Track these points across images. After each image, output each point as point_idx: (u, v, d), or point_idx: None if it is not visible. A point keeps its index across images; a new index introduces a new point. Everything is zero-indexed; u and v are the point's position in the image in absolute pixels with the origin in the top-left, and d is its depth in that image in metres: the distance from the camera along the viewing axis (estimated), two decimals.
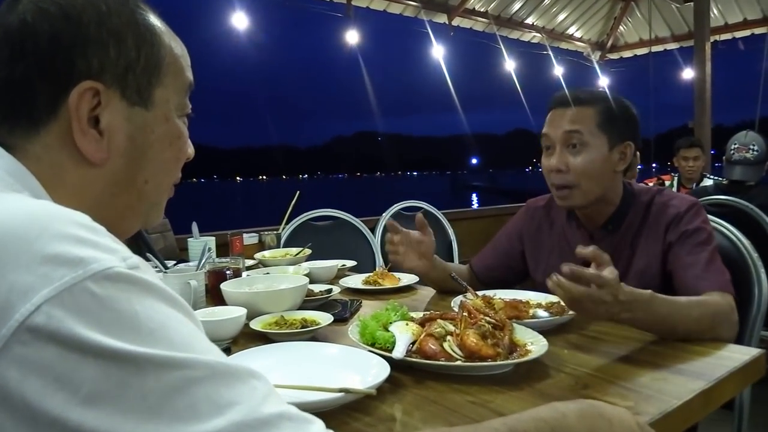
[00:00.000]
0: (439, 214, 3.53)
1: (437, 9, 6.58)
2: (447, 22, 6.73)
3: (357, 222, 3.12)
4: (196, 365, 0.50)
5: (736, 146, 3.26)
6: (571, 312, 1.44)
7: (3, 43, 0.66)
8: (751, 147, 3.24)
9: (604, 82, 8.32)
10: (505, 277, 1.95)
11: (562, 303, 1.52)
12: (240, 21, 5.44)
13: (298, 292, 1.56)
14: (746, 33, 7.20)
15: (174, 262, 2.24)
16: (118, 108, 0.69)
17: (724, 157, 3.40)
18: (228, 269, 1.73)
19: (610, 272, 1.20)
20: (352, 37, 6.16)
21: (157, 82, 0.72)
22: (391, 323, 1.28)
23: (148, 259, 1.97)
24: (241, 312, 1.42)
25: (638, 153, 3.96)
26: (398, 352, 1.13)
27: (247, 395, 0.51)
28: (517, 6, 7.05)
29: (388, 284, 1.95)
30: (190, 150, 0.81)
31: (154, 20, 0.74)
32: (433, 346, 1.17)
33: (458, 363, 1.12)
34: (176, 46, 0.76)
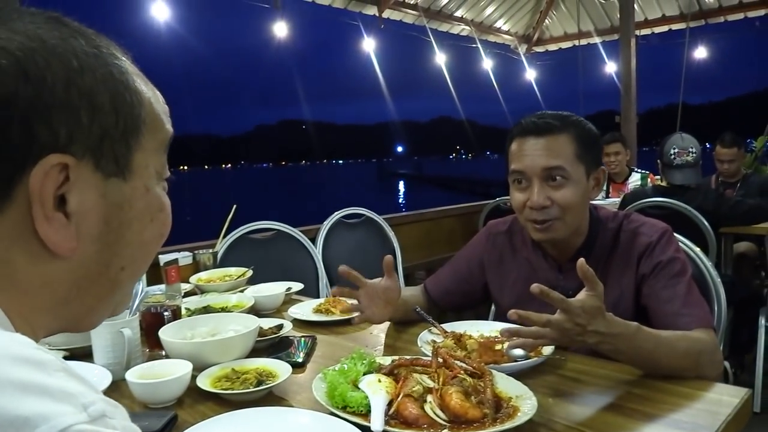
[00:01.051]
0: (380, 219, 3.41)
1: (367, 0, 6.43)
2: (377, 15, 6.60)
3: (296, 233, 2.95)
4: None
5: (675, 150, 3.30)
6: (547, 352, 1.35)
7: None
8: (690, 150, 3.28)
9: (531, 74, 8.44)
10: (462, 302, 1.85)
11: None
12: (161, 11, 5.13)
13: (250, 337, 1.40)
14: (665, 28, 7.46)
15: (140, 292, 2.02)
16: (91, 183, 0.54)
17: (659, 161, 3.43)
18: (166, 309, 1.54)
19: (582, 299, 1.18)
20: (279, 28, 5.93)
21: (137, 146, 0.58)
22: (360, 379, 1.15)
23: None
24: (185, 369, 1.25)
25: None
26: (377, 424, 0.99)
27: None
28: None
29: (341, 314, 1.80)
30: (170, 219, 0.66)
31: (130, 69, 0.59)
32: (413, 410, 1.04)
33: None
34: (153, 95, 0.62)
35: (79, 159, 0.53)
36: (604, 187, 5.08)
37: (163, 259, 2.32)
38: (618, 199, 3.84)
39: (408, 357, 1.28)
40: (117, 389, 1.29)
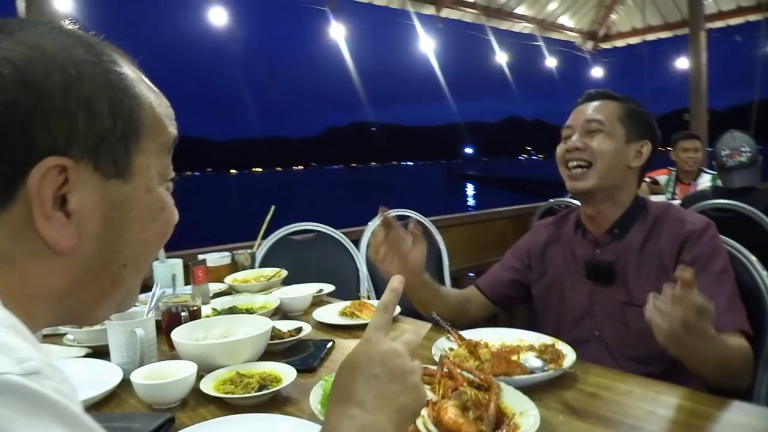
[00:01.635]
0: (427, 221, 3.34)
1: (425, 0, 6.36)
2: (435, 14, 6.51)
3: (338, 235, 2.94)
4: None
5: (726, 152, 3.08)
6: (566, 364, 1.27)
7: None
8: (742, 150, 3.07)
9: (597, 72, 8.12)
10: (513, 295, 1.87)
11: (558, 347, 1.36)
12: (219, 16, 5.25)
13: (258, 341, 1.38)
14: (740, 20, 7.00)
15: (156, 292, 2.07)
16: (91, 184, 0.58)
17: (715, 163, 3.23)
18: (184, 309, 1.54)
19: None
20: (337, 29, 5.95)
21: (136, 149, 0.61)
22: None
23: None
24: (189, 372, 1.24)
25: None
26: None
27: None
28: None
29: (365, 318, 1.77)
30: (176, 217, 0.69)
31: (131, 74, 0.61)
32: None
33: None
34: (155, 99, 0.64)
35: (77, 161, 0.56)
36: (671, 189, 4.82)
37: (210, 258, 2.36)
38: None
39: None
40: (128, 388, 1.30)
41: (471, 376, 1.15)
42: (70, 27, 0.61)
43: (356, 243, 3.06)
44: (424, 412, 1.02)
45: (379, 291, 2.95)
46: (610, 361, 1.54)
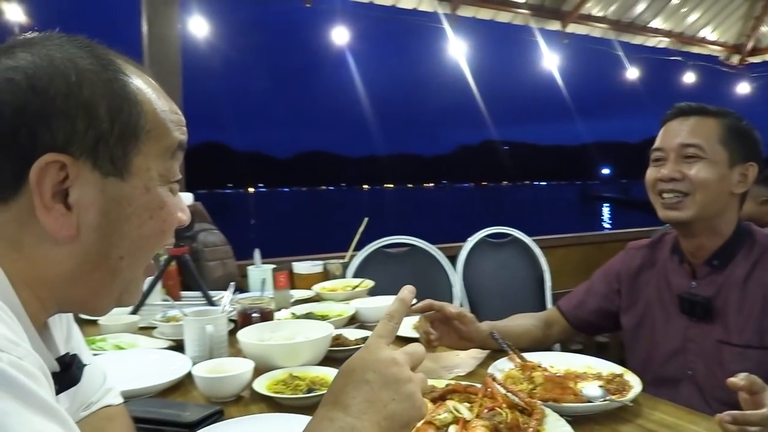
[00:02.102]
0: (528, 240, 3.24)
1: (549, 16, 6.19)
2: (560, 29, 6.32)
3: (434, 250, 2.93)
4: None
5: None
6: (630, 395, 1.17)
7: None
8: None
9: (743, 88, 7.45)
10: (600, 322, 1.75)
11: (626, 377, 1.26)
12: (341, 36, 5.44)
13: (316, 346, 1.41)
14: None
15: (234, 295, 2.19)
16: (90, 180, 0.64)
17: None
18: (255, 311, 1.61)
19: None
20: (459, 47, 5.96)
21: (135, 151, 0.67)
22: None
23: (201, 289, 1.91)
24: (245, 369, 1.29)
25: None
26: None
27: None
28: (640, 8, 6.47)
29: None
30: (183, 216, 0.74)
31: (139, 85, 0.68)
32: None
33: None
34: (163, 106, 0.70)
35: (76, 158, 0.62)
36: None
37: (297, 266, 2.46)
38: None
39: (464, 383, 1.19)
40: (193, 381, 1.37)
41: (516, 399, 1.10)
42: (85, 40, 0.67)
43: (453, 259, 3.03)
44: (452, 430, 0.99)
45: (475, 309, 2.90)
46: (702, 405, 1.39)
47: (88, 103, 0.63)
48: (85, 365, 0.78)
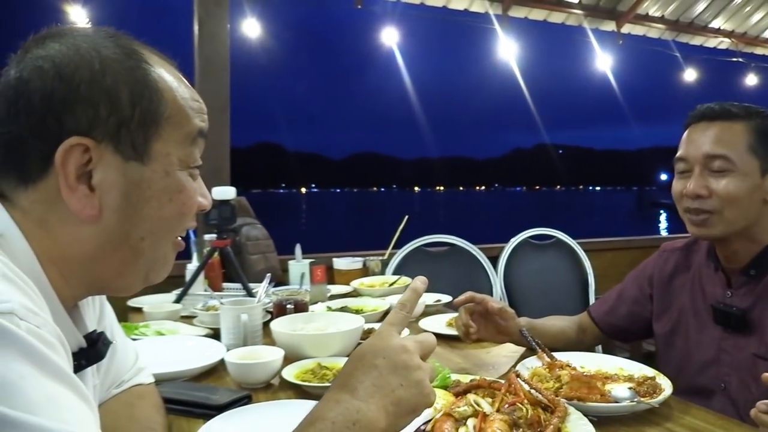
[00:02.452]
0: (573, 243, 3.18)
1: (604, 16, 6.06)
2: (615, 30, 6.18)
3: (474, 250, 2.91)
4: (37, 429, 0.48)
5: None
6: (659, 397, 1.14)
7: (2, 98, 0.67)
8: None
9: None
10: (631, 327, 1.69)
11: (658, 380, 1.23)
12: (392, 37, 5.47)
13: (349, 336, 1.43)
14: None
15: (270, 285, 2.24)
16: (112, 163, 0.68)
17: None
18: (289, 302, 1.65)
19: None
20: (510, 48, 5.90)
21: (156, 136, 0.70)
22: None
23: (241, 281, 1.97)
24: (275, 357, 1.33)
25: None
26: None
27: None
28: (700, 8, 6.26)
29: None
30: (204, 201, 0.78)
31: (161, 73, 0.72)
32: (447, 431, 0.97)
33: None
34: (185, 94, 0.74)
35: (98, 142, 0.66)
36: None
37: (337, 262, 2.50)
38: None
39: (490, 379, 1.18)
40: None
41: (539, 396, 1.09)
42: (111, 31, 0.72)
43: (494, 260, 3.01)
44: (470, 423, 0.99)
45: (515, 311, 2.87)
46: (735, 418, 1.33)
47: (111, 90, 0.67)
48: (111, 343, 0.82)
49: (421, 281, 0.85)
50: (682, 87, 6.81)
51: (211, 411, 1.11)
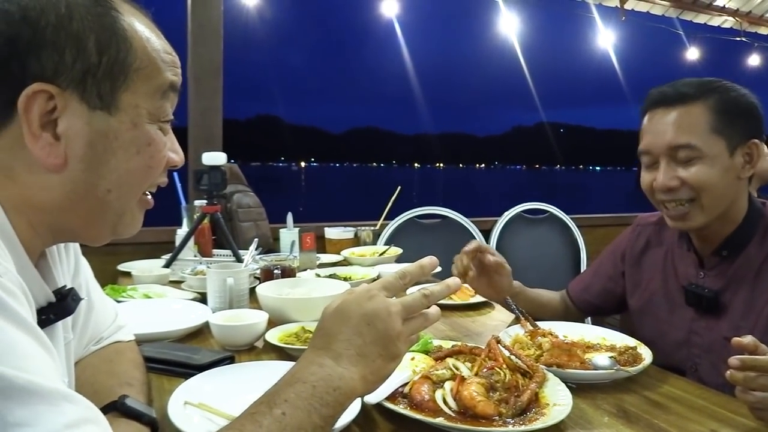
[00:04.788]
0: (566, 218, 3.18)
1: None
2: (618, 6, 6.10)
3: (466, 222, 2.91)
4: None
5: None
6: (638, 366, 1.15)
7: None
8: None
9: None
10: (603, 305, 1.68)
11: (639, 350, 1.24)
12: (391, 8, 5.40)
13: (328, 302, 1.43)
14: None
15: (256, 251, 2.24)
16: (77, 112, 0.66)
17: None
18: (276, 268, 1.65)
19: None
20: (511, 23, 5.84)
21: (123, 87, 0.68)
22: None
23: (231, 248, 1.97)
24: (259, 319, 1.33)
25: None
26: (372, 396, 0.95)
27: (47, 419, 0.48)
28: None
29: (457, 299, 1.74)
30: (175, 156, 0.76)
31: (132, 23, 0.70)
32: (424, 393, 0.98)
33: (440, 420, 0.92)
34: (156, 46, 0.72)
35: (63, 89, 0.64)
36: None
37: (328, 232, 2.49)
38: None
39: (471, 345, 1.19)
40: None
41: (519, 361, 1.09)
42: None
43: (487, 233, 3.01)
44: (447, 385, 0.99)
45: None
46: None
47: (77, 36, 0.64)
48: (82, 299, 0.81)
49: (429, 261, 0.84)
50: (685, 66, 6.74)
51: (192, 370, 1.11)
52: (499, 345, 1.12)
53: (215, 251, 2.21)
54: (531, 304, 1.57)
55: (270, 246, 2.44)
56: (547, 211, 3.20)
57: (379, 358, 0.73)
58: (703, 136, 1.27)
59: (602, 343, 1.32)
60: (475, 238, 2.89)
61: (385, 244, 2.69)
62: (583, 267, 3.09)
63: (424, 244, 2.75)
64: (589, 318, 2.18)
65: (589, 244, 3.19)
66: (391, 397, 0.98)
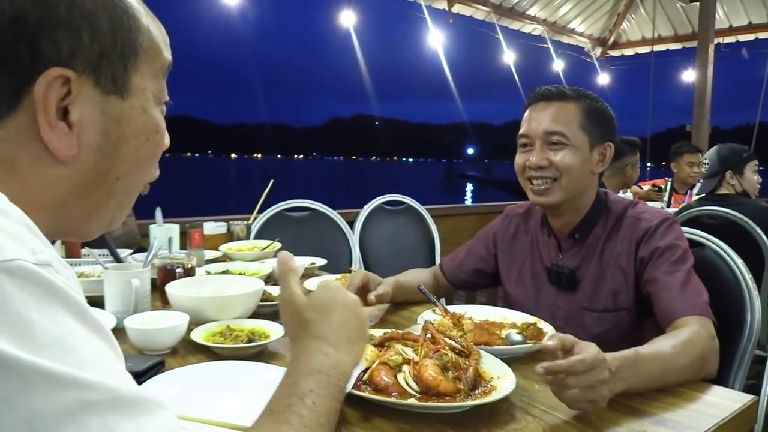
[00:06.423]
0: (422, 209, 3.38)
1: None
2: (447, 9, 6.55)
3: (334, 215, 2.97)
4: (94, 387, 0.45)
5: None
6: (549, 337, 1.31)
7: None
8: (704, 162, 3.32)
9: (603, 79, 8.18)
10: (473, 281, 1.89)
11: (539, 325, 1.40)
12: None
13: (250, 298, 1.42)
14: (750, 37, 7.05)
15: (130, 251, 2.10)
16: (91, 98, 0.61)
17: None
18: (178, 266, 1.58)
19: (587, 348, 1.02)
20: (348, 18, 5.98)
21: (134, 69, 0.64)
22: None
23: (108, 247, 1.83)
24: (180, 321, 1.28)
25: (638, 152, 3.89)
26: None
27: (151, 429, 0.48)
28: None
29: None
30: (166, 141, 0.71)
31: (132, 1, 0.64)
32: (386, 378, 1.03)
33: (411, 401, 0.99)
34: (153, 25, 0.67)
35: (79, 74, 0.59)
36: (666, 198, 4.86)
37: (207, 226, 2.40)
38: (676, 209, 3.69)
39: (401, 331, 1.26)
40: (121, 335, 1.33)
41: (453, 343, 1.19)
42: None
43: (351, 224, 3.10)
44: (406, 369, 1.06)
45: (370, 270, 3.00)
46: None
47: (92, 14, 0.59)
48: None
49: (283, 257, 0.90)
50: (499, 68, 7.41)
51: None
52: (433, 328, 1.21)
53: (84, 251, 2.03)
54: (409, 290, 1.71)
55: (139, 243, 2.30)
56: (405, 203, 3.37)
57: (359, 340, 0.85)
58: (572, 128, 1.53)
59: (504, 322, 1.47)
60: (342, 229, 2.97)
61: (256, 237, 2.65)
62: (438, 252, 3.31)
63: (294, 236, 2.76)
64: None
65: (441, 232, 3.42)
66: (355, 385, 1.02)
